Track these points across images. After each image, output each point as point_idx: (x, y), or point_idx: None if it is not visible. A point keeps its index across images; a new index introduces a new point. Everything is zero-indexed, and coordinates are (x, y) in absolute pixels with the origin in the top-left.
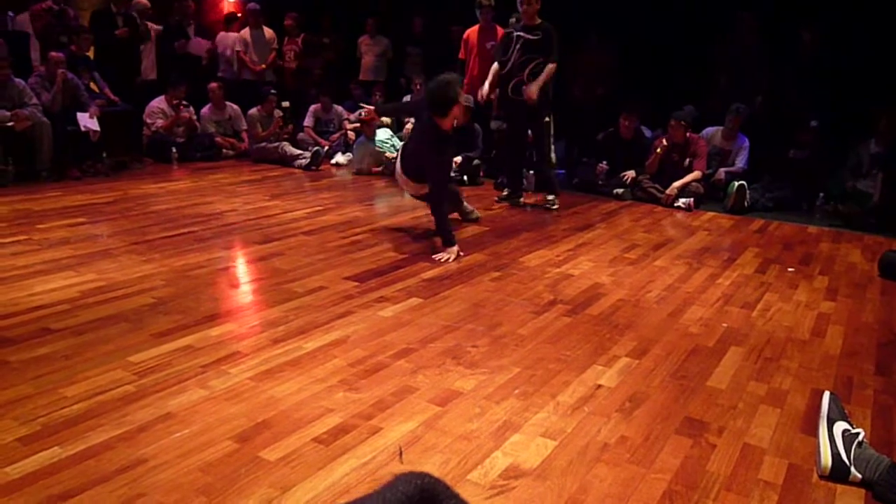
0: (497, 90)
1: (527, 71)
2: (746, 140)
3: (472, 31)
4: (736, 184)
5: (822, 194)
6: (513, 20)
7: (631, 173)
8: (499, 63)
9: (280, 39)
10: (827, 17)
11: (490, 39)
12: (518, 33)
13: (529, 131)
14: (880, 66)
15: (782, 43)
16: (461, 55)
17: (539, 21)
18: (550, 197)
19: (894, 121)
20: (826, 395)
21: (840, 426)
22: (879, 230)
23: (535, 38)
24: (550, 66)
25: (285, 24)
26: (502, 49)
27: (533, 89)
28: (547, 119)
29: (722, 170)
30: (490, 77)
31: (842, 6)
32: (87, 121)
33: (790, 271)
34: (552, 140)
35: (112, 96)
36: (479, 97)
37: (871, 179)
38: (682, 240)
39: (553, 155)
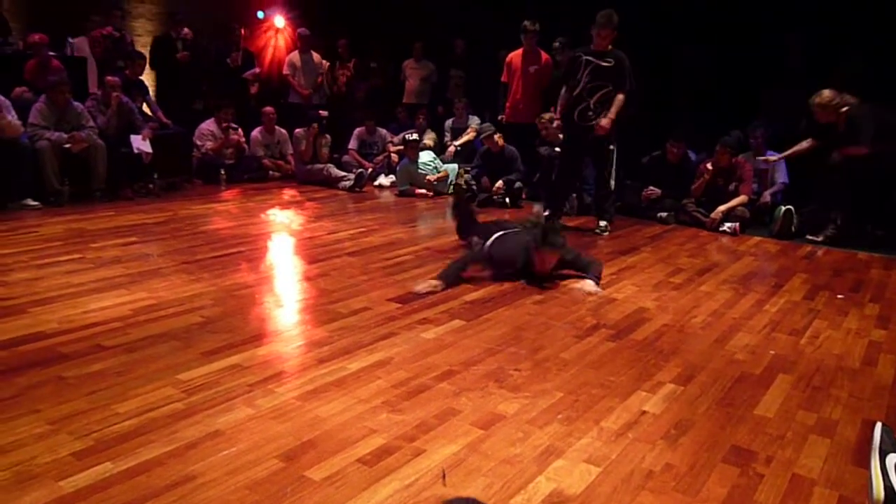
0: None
1: (595, 98)
2: (775, 154)
3: (515, 55)
4: (783, 208)
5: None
6: (557, 45)
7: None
8: (566, 87)
9: (333, 65)
10: (875, 39)
11: (533, 63)
12: (587, 58)
13: (591, 157)
14: None
15: (827, 64)
16: (504, 78)
17: (611, 48)
18: (603, 224)
19: None
20: (878, 427)
21: (893, 458)
22: None
23: (607, 64)
24: (620, 97)
25: (338, 50)
26: (570, 72)
27: (605, 123)
28: (612, 147)
29: (767, 192)
30: (560, 102)
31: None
32: (140, 143)
33: (840, 298)
34: (614, 168)
35: (164, 119)
36: (540, 122)
37: None
38: (728, 265)
39: (612, 182)
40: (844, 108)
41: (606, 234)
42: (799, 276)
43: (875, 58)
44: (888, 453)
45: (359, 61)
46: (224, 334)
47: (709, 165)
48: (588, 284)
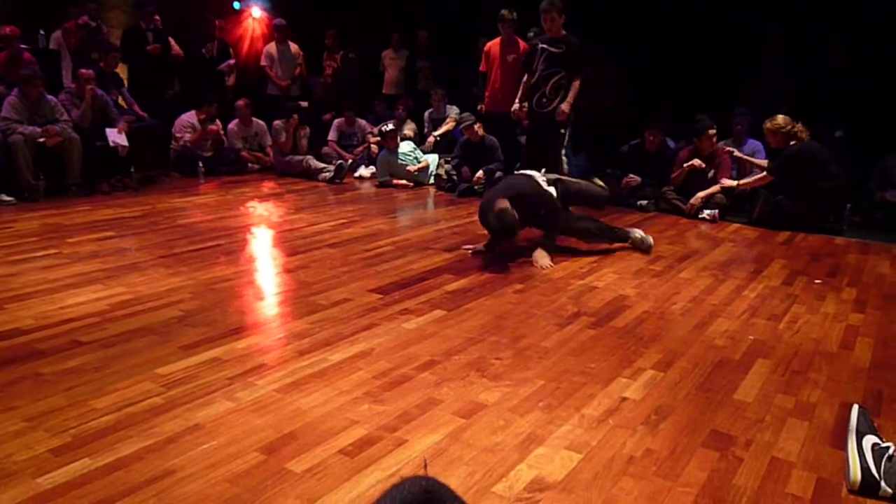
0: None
1: (549, 85)
2: (757, 143)
3: (493, 44)
4: (762, 194)
5: (849, 206)
6: (531, 34)
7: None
8: (528, 75)
9: (320, 55)
10: (856, 30)
11: (511, 52)
12: (542, 45)
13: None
14: None
15: (809, 55)
16: (482, 67)
17: (564, 34)
18: None
19: None
20: (855, 409)
21: (870, 440)
22: None
23: (559, 51)
24: (576, 83)
25: (326, 41)
26: (529, 61)
27: (564, 109)
28: (563, 131)
29: (739, 181)
30: (520, 90)
31: (870, 19)
32: (116, 136)
33: (817, 283)
34: (563, 152)
35: (140, 112)
36: (512, 113)
37: None
38: (708, 251)
39: (566, 166)
40: (793, 143)
41: None
42: (777, 262)
43: (855, 45)
44: (865, 435)
45: (346, 53)
46: (203, 328)
47: (695, 163)
48: (540, 256)
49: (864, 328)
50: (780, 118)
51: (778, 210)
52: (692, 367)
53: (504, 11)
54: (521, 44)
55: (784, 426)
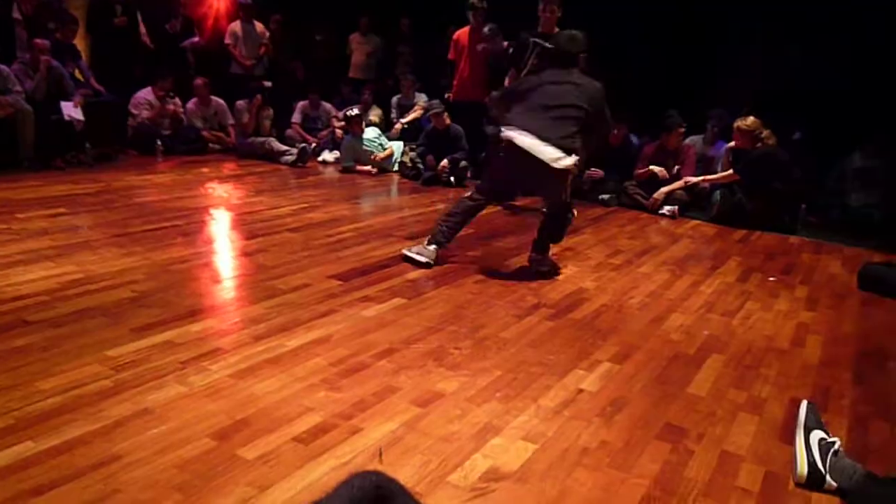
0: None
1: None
2: (724, 144)
3: (462, 33)
4: (720, 193)
5: (804, 206)
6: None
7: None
8: (515, 69)
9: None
10: (815, 33)
11: (480, 41)
12: (534, 40)
13: None
14: (866, 82)
15: (770, 55)
16: (451, 56)
17: (558, 30)
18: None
19: (888, 137)
20: (803, 404)
21: (817, 435)
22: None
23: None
24: None
25: (270, 26)
26: (517, 56)
27: None
28: None
29: (706, 177)
30: (507, 82)
31: (830, 24)
32: (71, 110)
33: (771, 280)
34: None
35: (97, 86)
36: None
37: (857, 192)
38: (666, 247)
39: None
40: (759, 145)
41: (572, 216)
42: (734, 259)
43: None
44: (812, 430)
45: (310, 37)
46: (156, 310)
47: (658, 171)
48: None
49: (814, 326)
50: (751, 119)
51: (736, 208)
52: (648, 360)
53: (474, 0)
54: None
55: (735, 420)
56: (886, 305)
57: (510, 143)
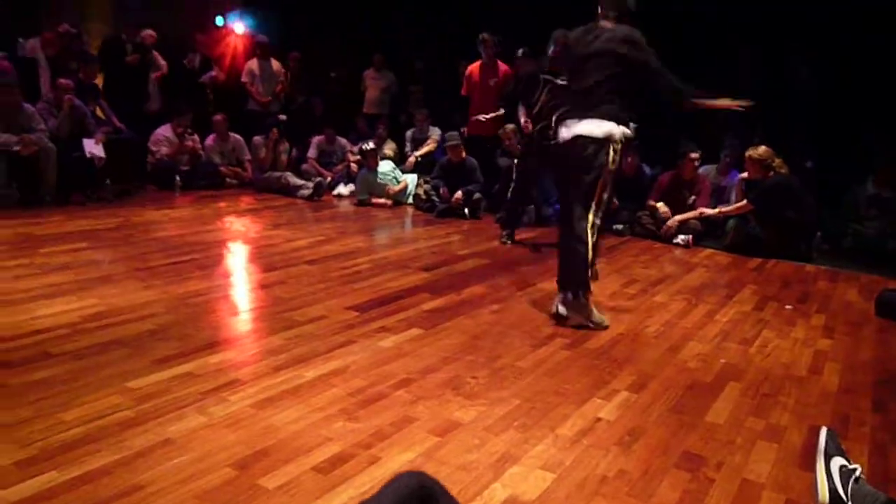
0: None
1: (555, 116)
2: (738, 174)
3: (474, 68)
4: (734, 221)
5: (819, 234)
6: (520, 53)
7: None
8: (525, 106)
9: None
10: (826, 56)
11: (492, 76)
12: (545, 76)
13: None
14: (878, 109)
15: (783, 81)
16: (464, 92)
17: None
18: None
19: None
20: (823, 431)
21: (837, 462)
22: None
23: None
24: None
25: (290, 64)
26: (528, 90)
27: None
28: None
29: (720, 207)
30: (524, 119)
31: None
32: (93, 147)
33: (788, 309)
34: None
35: (118, 124)
36: (524, 126)
37: (870, 220)
38: (681, 276)
39: None
40: (771, 174)
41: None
42: (749, 288)
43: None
44: (833, 456)
45: (326, 74)
46: (176, 342)
47: (670, 223)
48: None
49: (832, 353)
50: (763, 149)
51: (750, 237)
52: (665, 389)
53: (484, 35)
54: (502, 66)
55: (754, 448)
56: None
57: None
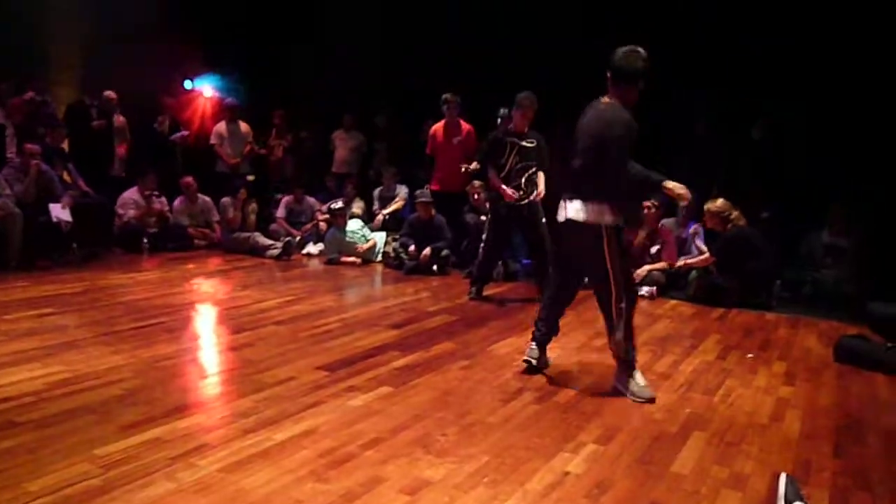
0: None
1: (524, 177)
2: (694, 224)
3: (437, 127)
4: (696, 273)
5: (778, 282)
6: (502, 112)
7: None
8: (494, 168)
9: (266, 135)
10: (777, 116)
11: (456, 134)
12: (511, 139)
13: (522, 231)
14: (828, 160)
15: (736, 138)
16: (428, 151)
17: (527, 129)
18: None
19: (847, 212)
20: (783, 478)
21: None
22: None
23: (531, 145)
24: (542, 174)
25: (274, 121)
26: (495, 153)
27: (541, 196)
28: (542, 224)
29: (684, 259)
30: (492, 182)
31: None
32: (60, 211)
33: (750, 357)
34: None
35: (85, 188)
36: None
37: (826, 269)
38: (646, 327)
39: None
40: (729, 226)
41: None
42: (713, 337)
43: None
44: (793, 502)
45: (299, 134)
46: (144, 407)
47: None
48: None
49: (793, 400)
50: (721, 202)
51: (713, 287)
52: (632, 440)
53: (447, 95)
54: (464, 125)
55: (719, 496)
56: (863, 378)
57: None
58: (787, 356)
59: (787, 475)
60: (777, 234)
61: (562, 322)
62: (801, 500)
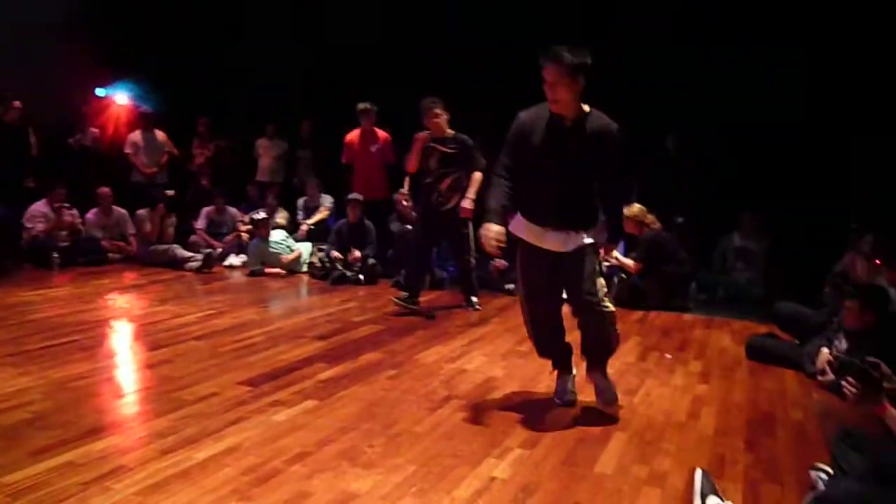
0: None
1: (445, 184)
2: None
3: (353, 136)
4: (616, 278)
5: (694, 284)
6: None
7: None
8: (419, 172)
9: (190, 142)
10: (688, 126)
11: (372, 143)
12: (433, 145)
13: (446, 239)
14: (739, 166)
15: (649, 149)
16: (344, 160)
17: (452, 132)
18: (474, 299)
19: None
20: (698, 473)
21: (712, 500)
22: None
23: (452, 151)
24: (477, 176)
25: (198, 129)
26: (422, 158)
27: (467, 205)
28: (466, 231)
29: (618, 256)
30: (406, 183)
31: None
32: None
33: (668, 358)
34: (472, 246)
35: None
36: (397, 198)
37: (738, 271)
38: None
39: (472, 260)
40: (646, 230)
41: (479, 307)
42: (633, 339)
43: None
44: (707, 496)
45: (220, 143)
46: (55, 430)
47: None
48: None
49: (708, 398)
50: (637, 207)
51: (633, 290)
52: (556, 443)
53: (364, 105)
54: (381, 133)
55: (640, 494)
56: (772, 373)
57: None
58: (702, 355)
59: (703, 471)
60: (691, 239)
61: (487, 329)
62: (716, 493)
